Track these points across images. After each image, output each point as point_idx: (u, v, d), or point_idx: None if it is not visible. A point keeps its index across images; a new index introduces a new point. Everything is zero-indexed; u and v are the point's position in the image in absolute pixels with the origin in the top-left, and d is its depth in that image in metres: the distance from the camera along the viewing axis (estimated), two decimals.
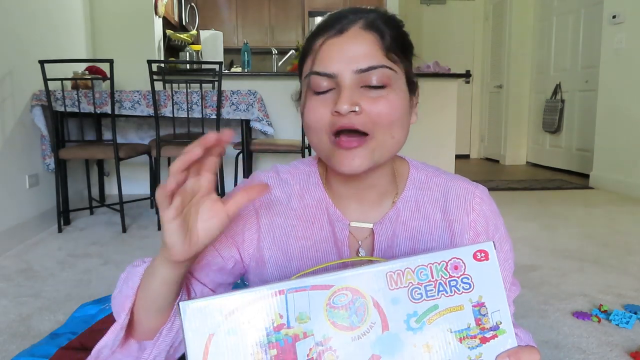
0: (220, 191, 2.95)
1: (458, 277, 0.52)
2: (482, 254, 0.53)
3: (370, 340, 0.51)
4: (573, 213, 3.17)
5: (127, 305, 0.63)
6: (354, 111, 0.61)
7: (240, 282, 0.94)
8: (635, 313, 1.61)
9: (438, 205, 0.73)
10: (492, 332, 0.52)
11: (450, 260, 0.53)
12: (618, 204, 3.45)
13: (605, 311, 1.64)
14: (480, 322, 0.52)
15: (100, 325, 1.31)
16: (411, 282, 0.52)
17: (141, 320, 0.63)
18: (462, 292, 0.52)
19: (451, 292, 0.52)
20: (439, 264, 0.52)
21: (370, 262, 0.54)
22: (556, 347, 1.43)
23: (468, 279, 0.53)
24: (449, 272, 0.52)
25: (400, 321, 0.51)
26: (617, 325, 1.55)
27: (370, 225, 0.73)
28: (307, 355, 0.50)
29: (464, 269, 0.53)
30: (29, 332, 1.55)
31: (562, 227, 2.82)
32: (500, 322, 0.52)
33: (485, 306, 0.52)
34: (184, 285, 0.66)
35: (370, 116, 0.62)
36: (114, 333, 0.62)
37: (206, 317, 0.49)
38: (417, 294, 0.52)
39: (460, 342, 0.52)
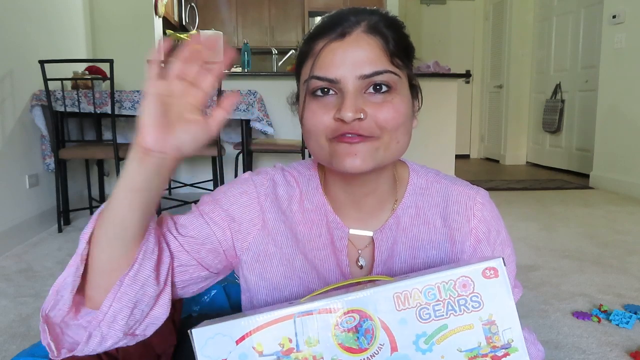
0: None
1: (467, 296, 0.52)
2: (491, 271, 0.52)
3: None
4: (573, 213, 3.17)
5: (87, 232, 0.57)
6: (359, 118, 0.59)
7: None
8: (635, 313, 1.61)
9: (438, 212, 0.72)
10: (503, 350, 0.51)
11: (458, 279, 0.52)
12: (618, 204, 3.45)
13: (605, 311, 1.64)
14: (491, 341, 0.51)
15: None
16: (419, 303, 0.51)
17: (100, 257, 0.56)
18: (472, 310, 0.52)
19: (460, 311, 0.52)
20: (447, 283, 0.52)
21: (378, 280, 0.54)
22: (556, 347, 1.43)
23: (477, 297, 0.52)
24: (457, 291, 0.52)
25: (409, 342, 0.51)
26: (617, 325, 1.55)
27: (370, 234, 0.71)
28: None
29: (473, 287, 0.52)
30: (29, 332, 1.55)
31: (562, 227, 2.82)
32: (512, 340, 0.52)
33: (496, 324, 0.52)
34: (155, 236, 0.61)
35: (376, 121, 0.60)
36: (72, 267, 0.57)
37: (218, 343, 0.50)
38: (426, 314, 0.51)
39: None
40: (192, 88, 0.54)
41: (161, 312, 0.62)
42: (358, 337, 0.51)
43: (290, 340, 0.50)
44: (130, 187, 0.54)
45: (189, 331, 0.51)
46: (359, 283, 0.58)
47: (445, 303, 0.52)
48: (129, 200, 0.55)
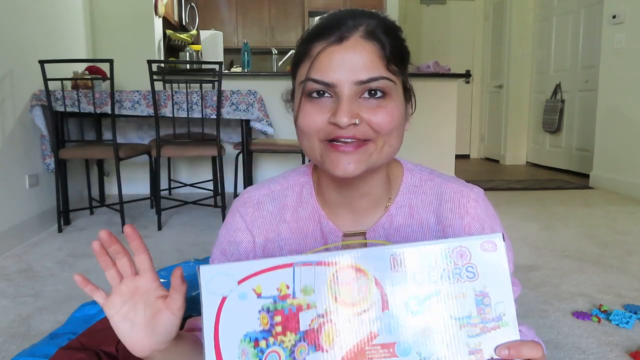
0: (220, 191, 2.95)
1: (463, 266, 0.53)
2: (490, 245, 0.54)
3: (370, 318, 0.53)
4: (573, 213, 3.17)
5: None
6: (354, 124, 0.60)
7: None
8: (635, 313, 1.61)
9: (432, 209, 0.72)
10: (494, 322, 0.52)
11: (456, 248, 0.53)
12: (618, 204, 3.45)
13: (605, 311, 1.64)
14: (482, 312, 0.53)
15: (100, 325, 1.30)
16: (415, 267, 0.53)
17: None
18: (466, 280, 0.53)
19: (454, 279, 0.53)
20: (444, 251, 0.53)
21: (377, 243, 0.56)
22: (556, 347, 1.43)
23: (473, 268, 0.53)
24: (453, 260, 0.53)
25: (401, 303, 0.53)
26: (617, 325, 1.55)
27: (363, 231, 0.72)
28: (309, 325, 0.53)
29: (470, 258, 0.53)
30: (29, 332, 1.55)
31: (562, 227, 2.82)
32: (504, 314, 0.53)
33: (489, 296, 0.53)
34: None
35: (371, 125, 0.61)
36: None
37: (221, 281, 0.53)
38: (420, 278, 0.53)
39: (460, 329, 0.52)
40: (135, 280, 0.58)
41: None
42: (352, 292, 0.53)
43: (288, 287, 0.53)
44: None
45: (197, 267, 0.54)
46: (359, 245, 0.60)
47: (440, 270, 0.53)
48: None
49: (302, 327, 0.53)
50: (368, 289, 0.53)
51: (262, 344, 0.53)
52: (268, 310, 0.53)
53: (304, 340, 0.52)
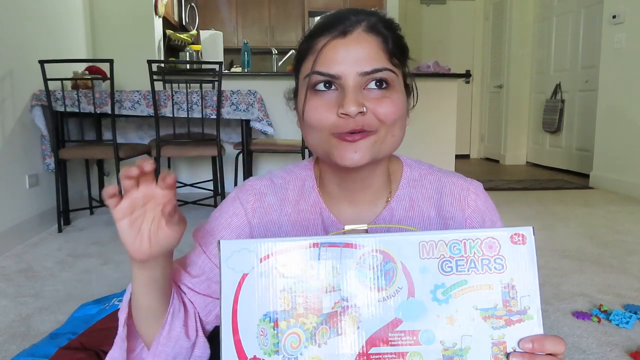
0: (220, 191, 2.95)
1: (491, 257, 0.53)
2: (520, 238, 0.54)
3: (395, 304, 0.52)
4: (573, 213, 3.17)
5: (123, 316, 0.65)
6: (361, 112, 0.61)
7: None
8: (635, 313, 1.61)
9: (432, 203, 0.73)
10: (518, 315, 0.52)
11: (485, 239, 0.53)
12: (618, 204, 3.45)
13: (605, 311, 1.64)
14: (507, 304, 0.52)
15: (100, 325, 1.30)
16: (443, 255, 0.52)
17: (140, 329, 0.66)
18: (494, 271, 0.52)
19: (482, 270, 0.52)
20: (474, 241, 0.53)
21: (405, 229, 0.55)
22: None
23: (501, 259, 0.53)
24: (482, 250, 0.53)
25: (427, 290, 0.52)
26: (617, 325, 1.55)
27: (365, 227, 0.72)
28: (332, 308, 0.52)
29: (499, 250, 0.53)
30: (29, 332, 1.55)
31: (562, 227, 2.82)
32: (529, 308, 0.52)
33: (515, 289, 0.52)
34: (178, 297, 0.68)
35: (376, 115, 0.62)
36: (117, 346, 0.66)
37: (242, 257, 0.52)
38: (448, 266, 0.52)
39: (485, 321, 0.52)
40: (154, 188, 0.56)
41: (201, 353, 0.69)
42: (378, 277, 0.52)
43: (312, 267, 0.52)
44: (141, 284, 0.62)
45: (217, 242, 0.53)
46: (387, 230, 0.59)
47: (469, 260, 0.52)
48: (144, 291, 0.63)
49: (325, 310, 0.51)
50: (395, 274, 0.52)
51: (283, 324, 0.51)
52: (290, 291, 0.51)
53: (326, 324, 0.51)
